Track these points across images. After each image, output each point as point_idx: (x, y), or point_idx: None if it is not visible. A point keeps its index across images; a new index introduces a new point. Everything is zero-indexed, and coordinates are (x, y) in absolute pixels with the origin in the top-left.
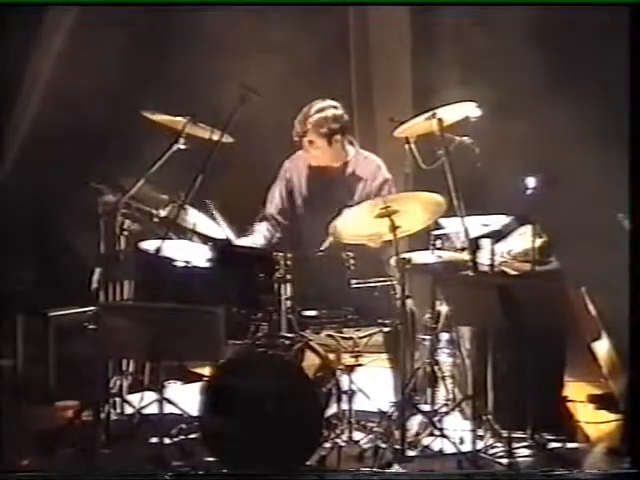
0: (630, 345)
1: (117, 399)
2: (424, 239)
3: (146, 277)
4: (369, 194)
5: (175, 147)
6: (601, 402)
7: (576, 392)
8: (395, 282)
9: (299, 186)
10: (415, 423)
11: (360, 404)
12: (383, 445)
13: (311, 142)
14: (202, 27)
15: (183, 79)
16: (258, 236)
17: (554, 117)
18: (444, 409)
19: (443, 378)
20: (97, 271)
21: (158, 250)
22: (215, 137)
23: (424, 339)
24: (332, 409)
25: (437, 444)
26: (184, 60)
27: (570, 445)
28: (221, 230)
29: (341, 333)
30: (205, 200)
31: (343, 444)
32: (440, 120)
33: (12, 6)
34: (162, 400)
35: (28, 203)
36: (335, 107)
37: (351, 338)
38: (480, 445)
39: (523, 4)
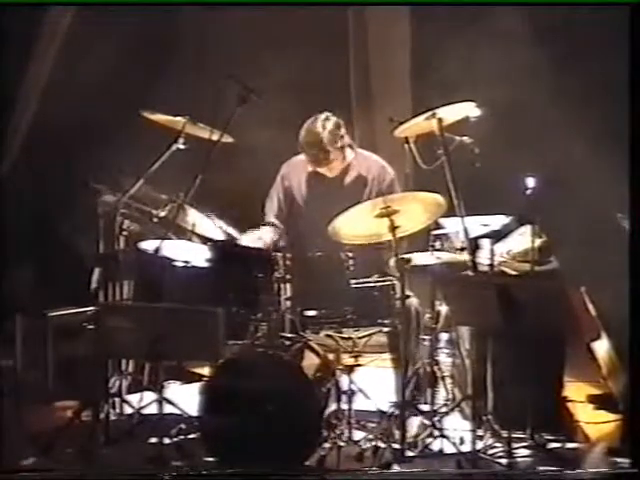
0: (630, 345)
1: (116, 399)
2: (424, 239)
3: (146, 277)
4: (379, 195)
5: (175, 147)
6: (601, 402)
7: (576, 392)
8: (395, 282)
9: (299, 190)
10: (415, 423)
11: (360, 404)
12: (383, 445)
13: (328, 161)
14: (202, 27)
15: (183, 79)
16: (262, 238)
17: (554, 117)
18: (444, 409)
19: (443, 378)
20: (97, 271)
21: (158, 250)
22: (215, 137)
23: (424, 339)
24: (332, 409)
25: (437, 444)
26: (184, 60)
27: (570, 445)
28: (221, 230)
29: (340, 333)
30: (209, 213)
31: (343, 444)
32: (440, 120)
33: (12, 6)
34: (162, 400)
35: (28, 203)
36: (328, 118)
37: (350, 338)
38: (480, 445)
39: (523, 4)
